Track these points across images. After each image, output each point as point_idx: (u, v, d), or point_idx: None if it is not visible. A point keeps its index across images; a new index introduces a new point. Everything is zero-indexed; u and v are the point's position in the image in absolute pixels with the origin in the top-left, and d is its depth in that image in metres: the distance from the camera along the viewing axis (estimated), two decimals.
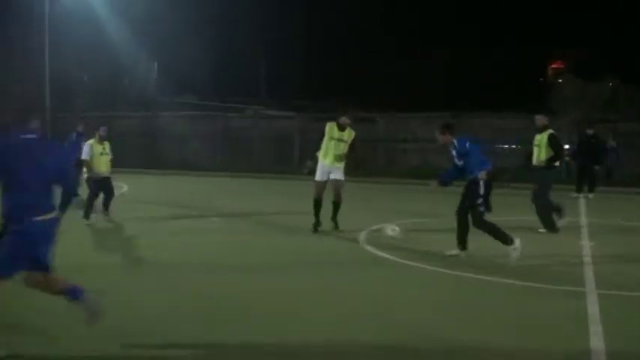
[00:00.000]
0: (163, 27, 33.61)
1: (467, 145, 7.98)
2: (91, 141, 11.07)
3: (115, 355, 4.82)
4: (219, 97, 34.61)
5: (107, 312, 5.62)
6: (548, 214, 10.21)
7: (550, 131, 10.33)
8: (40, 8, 26.25)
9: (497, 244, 7.85)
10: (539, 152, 10.30)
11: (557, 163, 10.56)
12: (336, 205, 10.32)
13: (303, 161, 23.01)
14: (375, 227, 10.31)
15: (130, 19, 30.96)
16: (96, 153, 10.92)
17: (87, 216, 10.62)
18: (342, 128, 10.35)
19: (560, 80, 37.82)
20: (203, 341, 5.08)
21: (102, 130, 11.16)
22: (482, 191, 7.82)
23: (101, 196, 11.05)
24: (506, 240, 7.74)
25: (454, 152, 8.11)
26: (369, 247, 8.97)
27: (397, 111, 23.95)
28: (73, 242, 8.19)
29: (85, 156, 10.84)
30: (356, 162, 10.80)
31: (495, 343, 5.08)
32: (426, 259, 8.07)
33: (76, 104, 29.77)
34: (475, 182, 7.85)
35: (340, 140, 10.33)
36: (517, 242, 7.71)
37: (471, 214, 7.87)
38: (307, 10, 41.72)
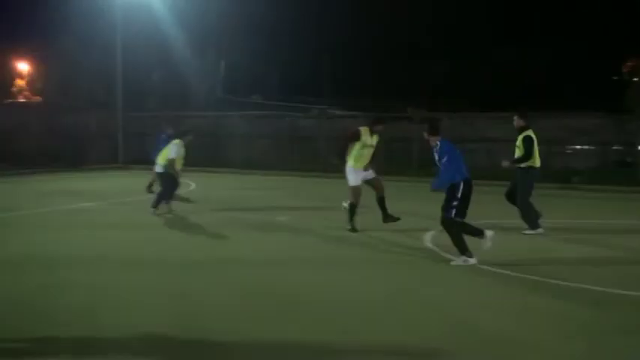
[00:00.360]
0: (231, 27, 34.07)
1: (448, 148, 8.11)
2: (177, 141, 11.94)
3: (173, 344, 4.87)
4: (284, 96, 34.85)
5: (165, 305, 5.71)
6: (529, 214, 10.29)
7: (526, 133, 10.35)
8: (111, 8, 27.05)
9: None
10: (518, 153, 10.44)
11: (536, 165, 10.42)
12: (384, 199, 10.62)
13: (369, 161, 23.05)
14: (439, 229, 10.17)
15: (199, 19, 31.52)
16: (180, 153, 11.87)
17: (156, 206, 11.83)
18: (373, 134, 10.81)
19: (636, 78, 36.39)
20: (269, 337, 5.07)
21: (186, 138, 12.16)
22: (459, 195, 7.77)
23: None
24: (478, 234, 7.84)
25: (435, 154, 8.28)
26: (433, 247, 8.89)
27: (464, 110, 23.51)
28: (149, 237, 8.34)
29: (174, 155, 11.75)
30: (376, 164, 11.08)
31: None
32: (491, 261, 7.87)
33: (146, 104, 30.53)
34: (455, 187, 7.83)
35: (371, 146, 10.85)
36: (489, 233, 7.79)
37: (441, 214, 7.95)
38: (371, 10, 41.50)
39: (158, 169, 12.20)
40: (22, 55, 42.03)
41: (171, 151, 11.79)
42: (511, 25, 42.59)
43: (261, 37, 36.39)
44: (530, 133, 10.39)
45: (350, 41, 40.95)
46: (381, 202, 10.62)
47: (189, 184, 18.47)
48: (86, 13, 29.05)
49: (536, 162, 10.45)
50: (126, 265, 7.69)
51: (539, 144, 10.52)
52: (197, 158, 24.95)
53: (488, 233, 7.83)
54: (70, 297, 6.20)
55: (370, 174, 10.60)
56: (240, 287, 6.73)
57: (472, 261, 7.69)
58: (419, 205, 15.05)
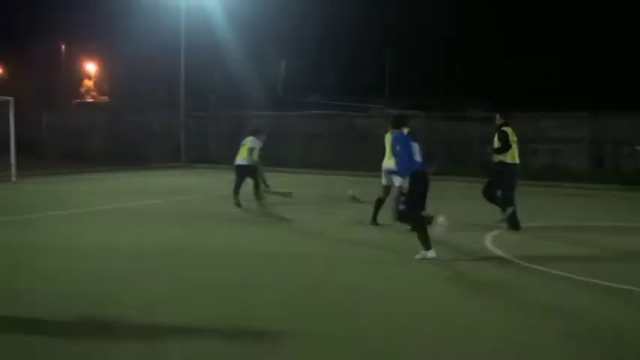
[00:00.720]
0: (291, 27, 34.28)
1: (401, 141, 8.44)
2: (250, 138, 13.46)
3: (224, 341, 4.89)
4: (343, 96, 34.84)
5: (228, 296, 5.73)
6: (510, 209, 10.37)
7: (502, 128, 10.62)
8: (175, 9, 27.59)
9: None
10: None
11: (509, 161, 10.60)
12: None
13: (428, 161, 22.81)
14: (501, 230, 9.97)
15: (259, 20, 31.83)
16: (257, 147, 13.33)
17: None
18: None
19: None
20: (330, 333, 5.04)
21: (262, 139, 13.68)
22: (413, 187, 7.95)
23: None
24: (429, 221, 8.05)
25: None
26: (493, 248, 8.67)
27: (527, 110, 22.92)
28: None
29: (254, 145, 13.27)
30: None
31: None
32: (554, 262, 7.64)
33: (207, 104, 31.02)
34: (410, 179, 8.01)
35: None
36: (440, 219, 8.23)
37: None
38: (432, 9, 41.09)
39: (242, 161, 13.20)
40: (90, 57, 43.41)
41: (252, 144, 13.08)
42: (580, 23, 41.42)
43: (322, 36, 36.49)
44: (506, 128, 10.63)
45: (411, 40, 40.65)
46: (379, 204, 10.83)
47: (249, 182, 18.62)
48: (151, 15, 29.75)
49: (511, 158, 10.63)
50: (194, 257, 7.81)
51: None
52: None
53: (439, 219, 8.20)
54: (147, 285, 6.34)
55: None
56: (299, 282, 6.73)
57: (430, 254, 7.68)
58: (480, 205, 14.77)
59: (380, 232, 10.07)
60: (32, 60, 38.99)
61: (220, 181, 18.86)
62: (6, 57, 41.43)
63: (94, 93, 43.30)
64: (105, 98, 42.02)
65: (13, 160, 18.06)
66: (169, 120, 27.72)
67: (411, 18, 41.08)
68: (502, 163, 10.58)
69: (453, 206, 13.98)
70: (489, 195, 10.87)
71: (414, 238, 7.96)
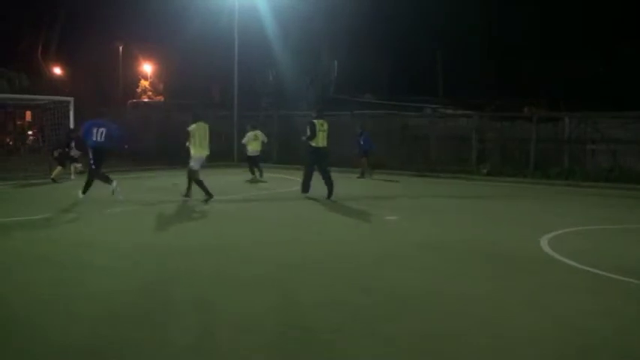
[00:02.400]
0: (343, 26, 34.19)
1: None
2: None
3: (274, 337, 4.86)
4: (396, 95, 34.55)
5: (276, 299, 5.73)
6: None
7: None
8: (229, 9, 27.86)
9: None
10: None
11: None
12: None
13: (480, 161, 22.46)
14: (559, 232, 9.73)
15: (312, 19, 31.84)
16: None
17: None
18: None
19: None
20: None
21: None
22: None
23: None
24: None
25: None
26: (550, 252, 8.44)
27: (586, 110, 22.28)
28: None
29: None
30: None
31: None
32: (606, 265, 7.38)
33: (260, 103, 31.21)
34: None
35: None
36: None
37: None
38: (487, 6, 40.35)
39: None
40: (147, 58, 44.24)
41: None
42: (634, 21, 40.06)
43: (374, 36, 36.26)
44: None
45: (465, 39, 40.05)
46: None
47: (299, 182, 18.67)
48: (205, 16, 30.11)
49: None
50: (241, 257, 7.84)
51: None
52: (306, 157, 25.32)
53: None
54: (192, 286, 6.39)
55: None
56: (343, 283, 6.68)
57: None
58: (537, 206, 14.50)
59: (427, 236, 9.90)
60: (91, 61, 39.94)
61: (269, 180, 18.97)
62: (65, 58, 42.57)
63: (149, 93, 44.09)
64: (160, 98, 42.76)
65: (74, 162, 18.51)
66: (222, 120, 28.00)
67: (464, 17, 40.48)
68: None
69: (516, 207, 13.75)
70: None
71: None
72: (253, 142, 19.91)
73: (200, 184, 13.38)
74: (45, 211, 11.82)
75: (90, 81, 39.14)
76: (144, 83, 44.88)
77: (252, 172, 19.34)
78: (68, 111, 18.70)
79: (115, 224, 10.73)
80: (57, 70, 44.57)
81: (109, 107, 29.09)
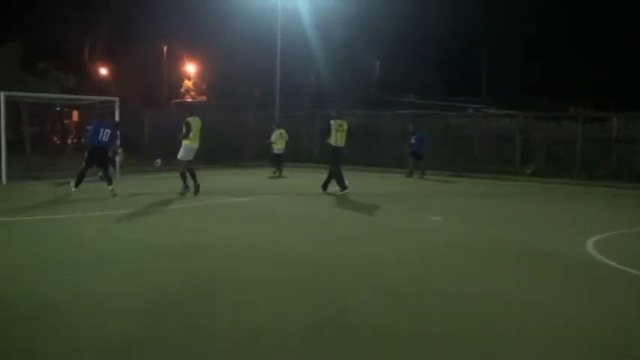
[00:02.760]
0: (385, 26, 34.06)
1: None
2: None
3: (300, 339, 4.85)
4: (439, 95, 34.29)
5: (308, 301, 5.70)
6: None
7: None
8: (272, 9, 27.99)
9: None
10: None
11: None
12: None
13: (524, 162, 22.10)
14: (606, 234, 9.54)
15: (354, 19, 31.79)
16: None
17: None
18: None
19: None
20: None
21: None
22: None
23: None
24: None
25: None
26: (597, 254, 8.26)
27: (634, 110, 21.73)
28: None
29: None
30: None
31: None
32: None
33: (301, 103, 31.29)
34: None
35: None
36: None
37: None
38: (529, 5, 39.70)
39: None
40: (190, 58, 44.73)
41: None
42: None
43: (416, 35, 36.04)
44: None
45: (509, 38, 39.50)
46: None
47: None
48: (248, 16, 30.31)
49: None
50: (277, 259, 7.87)
51: None
52: (350, 157, 25.30)
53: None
54: (243, 279, 6.44)
55: None
56: (383, 284, 6.64)
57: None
58: (582, 207, 14.24)
59: (472, 237, 9.78)
60: (136, 61, 40.55)
61: (311, 179, 19.00)
62: (112, 59, 43.32)
63: (192, 93, 44.57)
64: (203, 98, 43.19)
65: (117, 158, 18.84)
66: (264, 119, 28.15)
67: (508, 16, 39.92)
68: None
69: (563, 209, 13.51)
70: None
71: None
72: (279, 141, 21.01)
73: (182, 176, 14.36)
74: (97, 208, 12.06)
75: (135, 81, 39.75)
76: (187, 83, 45.37)
77: (277, 169, 20.55)
78: (114, 110, 19.04)
79: (159, 223, 10.88)
80: (103, 71, 45.39)
81: (153, 107, 29.53)
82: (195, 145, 14.49)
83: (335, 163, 14.97)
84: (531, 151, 22.75)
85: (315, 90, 33.08)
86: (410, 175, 20.68)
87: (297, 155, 26.80)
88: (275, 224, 10.77)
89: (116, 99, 19.31)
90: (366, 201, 14.28)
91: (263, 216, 11.76)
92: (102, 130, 14.18)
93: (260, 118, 28.29)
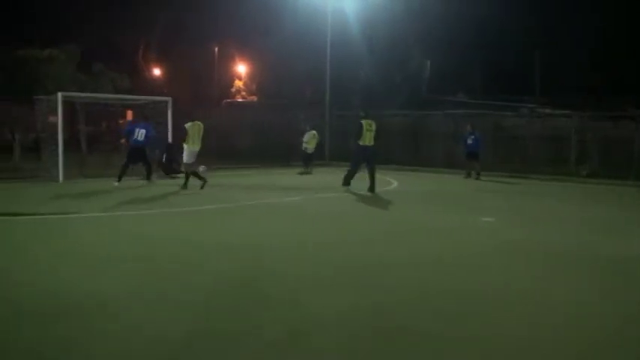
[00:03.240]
0: (436, 25, 33.73)
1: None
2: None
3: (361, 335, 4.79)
4: (491, 95, 33.75)
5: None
6: None
7: None
8: (322, 9, 28.03)
9: None
10: None
11: None
12: None
13: (579, 162, 21.55)
14: None
15: (405, 18, 31.57)
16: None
17: None
18: None
19: None
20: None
21: None
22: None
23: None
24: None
25: None
26: None
27: None
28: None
29: None
30: None
31: None
32: None
33: (351, 102, 31.21)
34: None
35: None
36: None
37: None
38: (583, 4, 38.73)
39: None
40: (241, 58, 45.19)
41: None
42: None
43: (468, 34, 35.57)
44: None
45: (564, 37, 38.62)
46: None
47: (392, 182, 18.57)
48: (298, 16, 30.43)
49: None
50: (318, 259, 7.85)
51: None
52: (399, 156, 25.16)
53: None
54: (292, 277, 6.45)
55: None
56: (427, 284, 6.55)
57: None
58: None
59: (521, 239, 9.55)
60: (188, 62, 41.23)
61: (359, 179, 18.95)
62: (164, 60, 44.12)
63: (243, 93, 45.01)
64: (254, 98, 43.58)
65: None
66: (314, 119, 28.21)
67: (563, 14, 39.05)
68: None
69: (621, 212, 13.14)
70: None
71: None
72: (312, 141, 22.26)
73: (195, 174, 15.46)
74: (151, 206, 12.26)
75: (187, 81, 40.43)
76: (238, 83, 45.86)
77: (307, 167, 21.77)
78: (166, 110, 19.35)
79: (203, 221, 11.00)
80: (156, 72, 46.27)
81: (205, 107, 29.91)
82: (195, 148, 15.40)
83: (358, 162, 15.54)
84: (587, 151, 22.16)
85: (364, 89, 32.95)
86: (468, 175, 20.33)
87: (347, 154, 26.76)
88: (322, 222, 10.76)
89: (168, 99, 19.63)
90: (416, 201, 14.15)
91: (311, 214, 11.77)
92: (137, 130, 15.98)
93: (310, 117, 28.37)
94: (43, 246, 8.49)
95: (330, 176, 19.72)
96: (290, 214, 11.89)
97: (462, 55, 36.63)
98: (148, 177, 16.82)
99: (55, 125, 17.55)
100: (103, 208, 11.92)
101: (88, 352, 4.56)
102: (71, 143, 18.77)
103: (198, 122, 15.59)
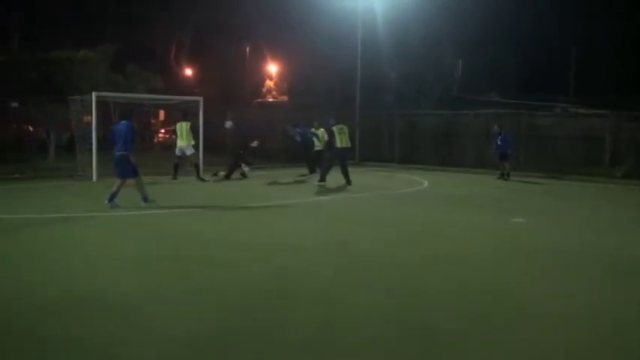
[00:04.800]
0: (468, 24, 33.43)
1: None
2: None
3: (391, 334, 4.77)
4: (523, 94, 33.34)
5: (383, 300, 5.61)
6: None
7: None
8: (353, 9, 27.99)
9: None
10: None
11: None
12: None
13: (614, 163, 21.16)
14: None
15: (436, 18, 31.35)
16: None
17: None
18: None
19: None
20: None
21: None
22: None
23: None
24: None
25: None
26: None
27: None
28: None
29: None
30: None
31: None
32: None
33: (382, 102, 31.10)
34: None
35: None
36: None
37: None
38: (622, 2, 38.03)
39: None
40: (272, 58, 45.36)
41: None
42: None
43: (500, 33, 35.18)
44: None
45: (599, 34, 37.97)
46: None
47: (422, 182, 18.48)
48: (328, 16, 30.41)
49: None
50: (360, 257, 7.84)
51: None
52: (429, 156, 25.03)
53: None
54: (322, 276, 6.46)
55: None
56: (462, 284, 6.52)
57: None
58: None
59: (553, 242, 9.41)
60: (219, 62, 41.51)
61: (390, 179, 18.88)
62: (196, 59, 44.49)
63: (274, 93, 45.17)
64: (284, 98, 43.70)
65: (200, 156, 19.32)
66: (344, 119, 28.15)
67: (597, 12, 38.41)
68: None
69: None
70: None
71: None
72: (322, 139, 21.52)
73: (176, 166, 17.94)
74: (192, 204, 12.39)
75: (218, 81, 40.69)
76: (269, 83, 46.05)
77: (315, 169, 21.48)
78: (198, 110, 19.52)
79: (243, 221, 11.06)
80: (188, 72, 46.67)
81: (236, 106, 30.06)
82: (182, 144, 17.85)
83: (332, 159, 17.17)
84: (622, 152, 21.75)
85: (395, 89, 32.79)
86: (501, 176, 19.86)
87: (377, 155, 26.73)
88: (356, 222, 10.73)
89: (200, 99, 19.80)
90: (446, 201, 14.04)
91: (346, 214, 11.76)
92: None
93: (340, 117, 28.30)
94: (80, 246, 8.64)
95: (361, 177, 19.67)
96: (321, 214, 11.91)
97: (494, 53, 36.23)
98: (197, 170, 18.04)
99: (90, 125, 17.83)
100: (137, 206, 12.07)
101: (130, 343, 4.63)
102: (104, 142, 19.02)
103: (185, 122, 18.08)
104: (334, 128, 17.39)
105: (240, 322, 5.24)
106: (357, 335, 4.95)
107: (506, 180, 19.56)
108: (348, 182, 16.82)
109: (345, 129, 17.59)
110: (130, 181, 11.73)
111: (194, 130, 18.38)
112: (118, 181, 11.74)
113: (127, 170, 11.64)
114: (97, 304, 5.71)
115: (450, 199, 14.39)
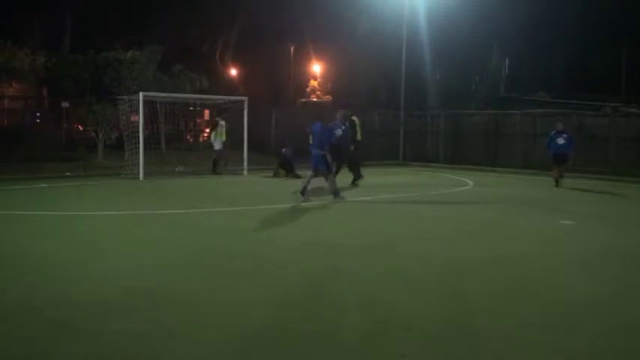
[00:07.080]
0: (515, 23, 32.90)
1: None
2: None
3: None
4: (573, 93, 32.64)
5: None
6: None
7: None
8: (399, 9, 27.81)
9: None
10: None
11: None
12: None
13: None
14: None
15: (483, 17, 30.95)
16: None
17: None
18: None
19: None
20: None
21: None
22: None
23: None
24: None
25: None
26: None
27: None
28: None
29: None
30: None
31: None
32: None
33: (427, 102, 30.86)
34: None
35: None
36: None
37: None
38: None
39: None
40: (316, 58, 45.38)
41: None
42: None
43: (548, 31, 34.53)
44: None
45: None
46: None
47: (467, 183, 18.25)
48: (374, 16, 30.31)
49: None
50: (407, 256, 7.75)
51: None
52: (476, 156, 24.69)
53: None
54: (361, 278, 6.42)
55: None
56: (512, 286, 6.42)
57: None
58: None
59: (599, 243, 9.15)
60: (264, 62, 41.69)
61: (435, 178, 18.68)
62: (241, 59, 44.78)
63: (318, 92, 45.18)
64: (328, 97, 43.69)
65: (245, 155, 19.48)
66: (389, 119, 28.05)
67: None
68: None
69: None
70: None
71: None
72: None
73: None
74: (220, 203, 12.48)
75: (263, 81, 40.88)
76: (313, 83, 46.08)
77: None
78: (243, 110, 19.65)
79: (285, 220, 11.07)
80: (233, 71, 47.01)
81: (280, 106, 30.21)
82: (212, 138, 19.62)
83: (359, 153, 16.88)
84: None
85: (441, 89, 32.48)
86: (560, 178, 17.55)
87: (422, 154, 26.52)
88: (400, 223, 10.64)
89: (245, 98, 19.93)
90: (492, 201, 13.82)
91: (389, 215, 11.69)
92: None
93: (385, 117, 28.21)
94: (131, 244, 8.78)
95: (406, 177, 19.53)
96: (371, 213, 11.85)
97: (542, 52, 35.60)
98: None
99: (137, 124, 18.12)
100: (185, 205, 12.19)
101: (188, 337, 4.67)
102: (151, 141, 19.32)
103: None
104: (355, 118, 16.76)
105: (288, 323, 5.21)
106: (407, 340, 4.86)
107: (556, 184, 18.05)
108: (359, 177, 16.61)
109: (358, 120, 17.08)
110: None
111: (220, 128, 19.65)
112: (309, 174, 12.93)
113: (321, 165, 12.66)
114: (159, 298, 5.85)
115: (497, 199, 14.16)
